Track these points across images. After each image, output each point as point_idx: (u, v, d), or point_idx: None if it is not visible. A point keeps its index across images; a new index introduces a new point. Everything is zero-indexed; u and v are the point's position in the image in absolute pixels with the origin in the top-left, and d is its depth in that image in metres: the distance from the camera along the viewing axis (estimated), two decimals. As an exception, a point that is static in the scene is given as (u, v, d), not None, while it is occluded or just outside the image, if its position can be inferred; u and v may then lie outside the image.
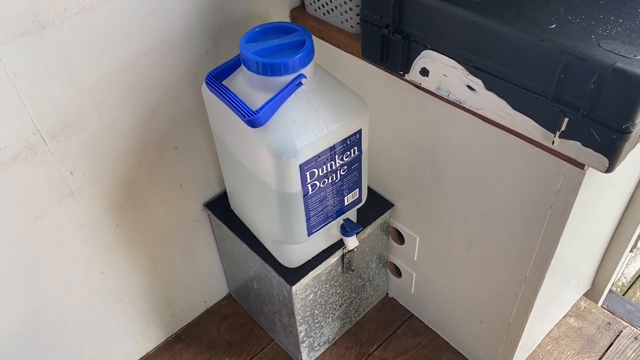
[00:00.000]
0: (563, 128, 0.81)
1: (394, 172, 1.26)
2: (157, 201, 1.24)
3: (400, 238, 1.38)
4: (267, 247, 1.21)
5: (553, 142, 0.83)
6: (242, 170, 1.07)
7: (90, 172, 1.07)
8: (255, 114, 0.90)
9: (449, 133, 1.05)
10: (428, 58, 0.93)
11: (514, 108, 0.86)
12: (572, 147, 0.82)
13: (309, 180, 0.98)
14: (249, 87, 0.96)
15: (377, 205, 1.31)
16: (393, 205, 1.31)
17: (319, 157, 0.96)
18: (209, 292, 1.54)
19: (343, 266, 1.27)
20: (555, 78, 0.78)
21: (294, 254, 1.16)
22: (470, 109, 0.92)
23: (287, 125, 0.93)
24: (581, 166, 0.87)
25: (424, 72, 0.95)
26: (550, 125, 0.83)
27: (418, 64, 0.95)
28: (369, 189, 1.35)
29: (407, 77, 0.99)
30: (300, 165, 0.94)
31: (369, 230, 1.28)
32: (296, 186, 0.97)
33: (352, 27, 1.12)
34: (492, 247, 1.13)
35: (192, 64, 1.11)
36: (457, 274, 1.27)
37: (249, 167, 1.03)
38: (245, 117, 0.90)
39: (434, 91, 0.96)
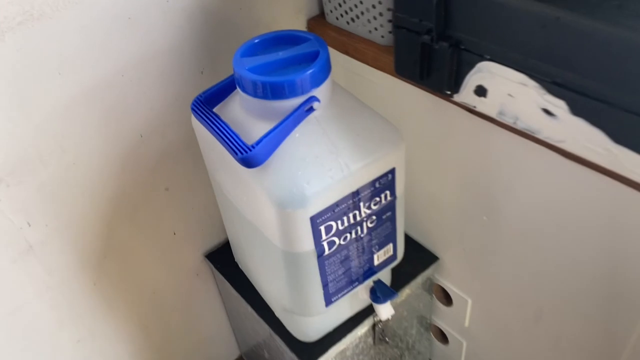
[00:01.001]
0: (696, 170, 0.55)
1: (439, 218, 1.00)
2: (145, 253, 1.01)
3: (447, 298, 1.11)
4: (277, 315, 0.96)
5: (680, 191, 0.57)
6: (242, 220, 0.83)
7: (54, 222, 0.86)
8: (251, 150, 0.66)
9: (514, 172, 0.79)
10: (486, 72, 0.68)
11: (614, 141, 0.60)
12: None
13: (324, 237, 0.73)
14: (245, 114, 0.73)
15: (417, 257, 1.05)
16: (438, 258, 1.05)
17: (338, 206, 0.71)
18: (216, 356, 1.30)
19: (375, 337, 1.01)
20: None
21: (311, 326, 0.91)
22: (547, 141, 0.67)
23: (294, 165, 0.69)
24: None
25: (481, 91, 0.70)
26: (675, 167, 0.56)
27: (472, 80, 0.70)
28: (407, 237, 1.09)
29: (456, 98, 0.74)
30: (311, 218, 0.70)
31: (407, 291, 1.01)
32: (307, 244, 0.73)
33: (382, 36, 0.88)
34: (571, 320, 0.85)
35: (183, 87, 0.89)
36: (522, 350, 0.99)
37: (248, 217, 0.80)
38: (237, 153, 0.67)
39: (494, 117, 0.71)
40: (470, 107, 0.73)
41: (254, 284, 1.01)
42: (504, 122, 0.70)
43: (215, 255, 1.11)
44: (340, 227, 0.74)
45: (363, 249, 0.80)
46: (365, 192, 0.73)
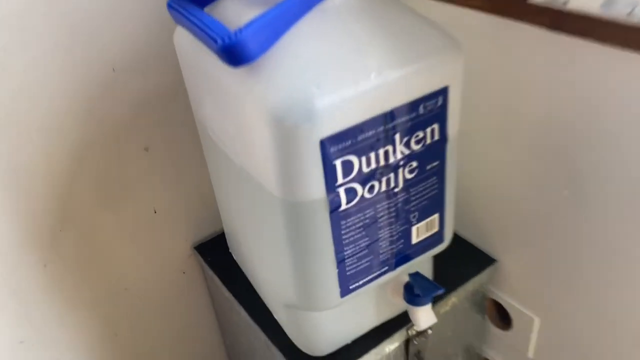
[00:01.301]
0: None
1: (499, 202, 0.75)
2: (116, 233, 0.79)
3: (503, 318, 0.85)
4: (278, 320, 0.72)
5: None
6: (232, 172, 0.61)
7: (-12, 169, 0.65)
8: (236, 36, 0.45)
9: (616, 112, 0.55)
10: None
11: None
12: None
13: (341, 180, 0.50)
14: (240, 6, 0.53)
15: (467, 259, 0.80)
16: (495, 260, 0.80)
17: (362, 132, 0.49)
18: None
19: (408, 359, 0.75)
20: None
21: (321, 331, 0.66)
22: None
23: (299, 65, 0.47)
24: None
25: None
26: None
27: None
28: (455, 235, 0.84)
29: (537, -7, 0.52)
30: (322, 143, 0.47)
31: (453, 299, 0.76)
32: (317, 187, 0.50)
33: (431, -51, 0.67)
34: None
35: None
36: (613, 389, 0.72)
37: (237, 161, 0.58)
38: (217, 41, 0.45)
39: (596, 12, 0.48)
40: (557, 5, 0.51)
41: (250, 279, 0.78)
42: (609, 20, 0.48)
43: (206, 247, 0.88)
44: (366, 169, 0.51)
45: (397, 213, 0.57)
46: (404, 119, 0.51)
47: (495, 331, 0.87)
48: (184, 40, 0.59)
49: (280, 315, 0.70)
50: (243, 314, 0.76)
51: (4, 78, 0.62)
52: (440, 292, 0.63)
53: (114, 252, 0.80)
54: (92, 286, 0.80)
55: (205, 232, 0.88)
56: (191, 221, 0.86)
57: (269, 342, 0.71)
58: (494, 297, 0.83)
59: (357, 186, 0.52)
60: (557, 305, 0.74)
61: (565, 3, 0.50)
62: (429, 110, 0.52)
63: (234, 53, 0.46)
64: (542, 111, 0.63)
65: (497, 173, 0.73)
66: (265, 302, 0.75)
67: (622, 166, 0.57)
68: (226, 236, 0.83)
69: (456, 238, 0.83)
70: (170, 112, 0.76)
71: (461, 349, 0.86)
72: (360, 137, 0.49)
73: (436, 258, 0.74)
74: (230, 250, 0.83)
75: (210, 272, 0.84)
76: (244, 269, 0.80)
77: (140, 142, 0.76)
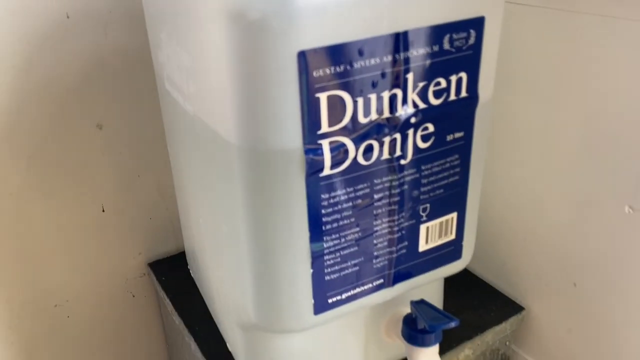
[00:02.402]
0: None
1: (532, 226, 0.59)
2: (50, 228, 0.64)
3: (527, 391, 0.66)
4: (233, 352, 0.54)
5: None
6: (185, 127, 0.47)
7: None
8: None
9: None
10: None
11: None
12: None
13: (326, 125, 0.35)
14: None
15: (485, 305, 0.63)
16: (523, 309, 0.62)
17: (362, 55, 0.34)
18: None
19: None
20: None
21: (286, 369, 0.48)
22: None
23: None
24: None
25: None
26: None
27: None
28: (471, 274, 0.67)
29: None
30: (301, 57, 0.32)
31: (467, 352, 0.58)
32: (290, 131, 0.35)
33: None
34: None
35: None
36: None
37: (190, 108, 0.43)
38: None
39: None
40: None
41: (206, 299, 0.61)
42: None
43: (163, 265, 0.71)
44: (362, 117, 0.36)
45: (401, 197, 0.41)
46: (421, 52, 0.36)
47: (516, 407, 0.67)
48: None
49: (237, 346, 0.53)
50: (193, 346, 0.59)
51: None
52: (453, 324, 0.45)
53: (46, 255, 0.64)
54: (12, 295, 0.64)
55: (163, 248, 0.72)
56: (147, 229, 0.70)
57: (219, 385, 0.53)
58: (518, 359, 0.64)
59: (349, 142, 0.37)
60: (606, 370, 0.55)
61: None
62: (456, 47, 0.37)
63: None
64: (598, 100, 0.48)
65: (531, 185, 0.57)
66: (220, 329, 0.57)
67: None
68: (185, 250, 0.67)
69: (474, 278, 0.67)
70: (133, 83, 0.62)
71: None
72: (357, 65, 0.34)
73: (447, 298, 0.57)
74: (188, 267, 0.67)
75: (164, 296, 0.67)
76: (200, 288, 0.63)
77: (93, 117, 0.62)
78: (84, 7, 0.57)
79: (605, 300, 0.53)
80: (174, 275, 0.69)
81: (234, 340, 0.53)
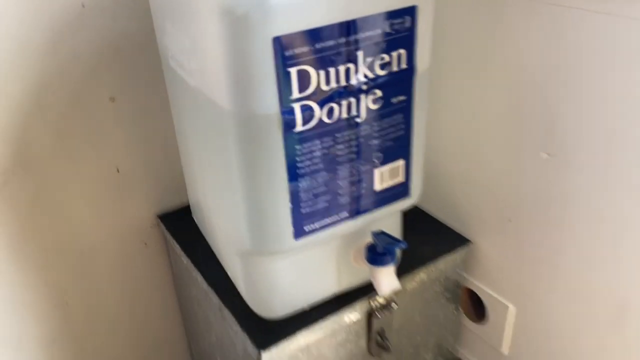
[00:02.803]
0: None
1: (474, 176, 0.72)
2: (74, 187, 0.75)
3: (479, 311, 0.79)
4: (234, 280, 0.67)
5: None
6: (187, 96, 0.58)
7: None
8: None
9: (596, 58, 0.53)
10: None
11: None
12: None
13: (297, 93, 0.47)
14: None
15: (439, 240, 0.76)
16: (469, 242, 0.75)
17: (322, 38, 0.46)
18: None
19: (370, 339, 0.69)
20: None
21: (275, 287, 0.61)
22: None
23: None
24: None
25: None
26: None
27: None
28: (425, 214, 0.80)
29: None
30: (276, 41, 0.44)
31: (422, 275, 0.71)
32: (269, 98, 0.46)
33: None
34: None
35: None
36: (591, 382, 0.65)
37: (191, 81, 0.54)
38: None
39: None
40: None
41: (209, 239, 0.73)
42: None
43: (171, 217, 0.84)
44: (325, 85, 0.48)
45: (359, 149, 0.53)
46: (368, 34, 0.48)
47: (469, 326, 0.81)
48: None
49: (236, 273, 0.65)
50: (200, 279, 0.71)
51: (-35, -5, 0.60)
52: (403, 246, 0.58)
53: (71, 209, 0.76)
54: (43, 244, 0.76)
55: (171, 202, 0.84)
56: (157, 186, 0.82)
57: (222, 306, 0.66)
58: (468, 285, 0.78)
59: (315, 106, 0.48)
60: (534, 288, 0.69)
61: None
62: (395, 30, 0.49)
63: (190, -58, 0.44)
64: (516, 69, 0.60)
65: (470, 141, 0.69)
66: (223, 263, 0.70)
67: (601, 122, 0.54)
68: (189, 200, 0.79)
69: (427, 217, 0.80)
70: (140, 62, 0.73)
71: (432, 343, 0.80)
72: (318, 45, 0.46)
73: (406, 234, 0.70)
74: (193, 215, 0.79)
75: (173, 242, 0.79)
76: (203, 231, 0.75)
77: (106, 91, 0.73)
78: (96, -2, 0.68)
79: (535, 232, 0.66)
80: (180, 225, 0.81)
81: (233, 269, 0.66)
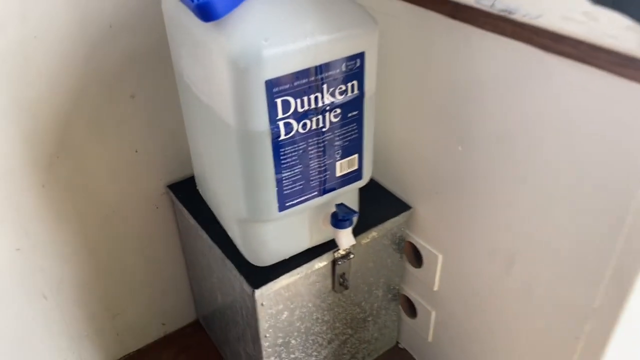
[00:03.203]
0: (679, 18, 0.50)
1: (412, 158, 0.94)
2: (102, 166, 0.96)
3: (418, 259, 1.04)
4: (232, 238, 0.90)
5: (660, 45, 0.52)
6: (200, 110, 0.78)
7: (4, 101, 0.81)
8: (208, -1, 0.62)
9: (489, 81, 0.74)
10: (466, -49, 0.65)
11: (593, 1, 0.55)
12: (694, 52, 0.50)
13: (281, 115, 0.68)
14: (213, -19, 0.70)
15: (388, 206, 0.99)
16: (410, 207, 0.98)
17: (298, 79, 0.66)
18: (170, 313, 1.21)
19: (334, 280, 0.93)
20: None
21: (264, 244, 0.84)
22: (525, 20, 0.62)
23: (254, 24, 0.65)
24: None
25: (460, -26, 0.67)
26: (656, 19, 0.52)
27: (451, -36, 0.67)
28: (378, 185, 1.03)
29: (435, -11, 0.70)
30: (267, 83, 0.65)
31: (374, 234, 0.94)
32: (262, 119, 0.67)
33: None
34: (543, 261, 0.78)
35: (161, -19, 0.87)
36: (493, 309, 0.91)
37: (205, 100, 0.75)
38: (193, 1, 0.63)
39: (473, 3, 0.67)
40: (449, -3, 0.69)
41: (212, 207, 0.95)
42: (482, 8, 0.67)
43: (177, 186, 1.05)
44: (300, 109, 0.69)
45: (324, 149, 0.75)
46: (331, 73, 0.69)
47: (410, 269, 1.06)
48: (170, 4, 0.76)
49: (234, 233, 0.88)
50: (205, 237, 0.93)
51: (24, 25, 0.78)
52: (356, 215, 0.81)
53: (101, 182, 0.97)
54: (80, 208, 0.97)
55: (177, 174, 1.05)
56: (167, 162, 1.02)
57: (224, 257, 0.89)
58: (409, 239, 1.02)
59: (293, 122, 0.70)
60: (454, 242, 0.93)
61: (453, -5, 0.69)
62: (349, 69, 0.70)
63: (206, 10, 0.63)
64: (440, 82, 0.81)
65: (410, 133, 0.91)
66: (223, 225, 0.92)
67: (496, 125, 0.76)
68: (195, 175, 1.00)
69: (379, 188, 1.03)
70: (154, 66, 0.92)
71: (382, 282, 1.04)
72: (296, 83, 0.67)
73: (362, 202, 0.92)
74: (197, 187, 1.00)
75: (180, 206, 1.01)
76: (207, 200, 0.97)
77: (127, 90, 0.92)
78: (120, 20, 0.86)
79: (454, 201, 0.89)
80: (185, 192, 1.02)
81: (232, 230, 0.88)
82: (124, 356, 1.18)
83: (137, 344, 1.19)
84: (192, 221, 0.97)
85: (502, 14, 0.65)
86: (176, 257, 1.14)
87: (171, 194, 1.04)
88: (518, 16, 0.63)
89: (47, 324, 1.03)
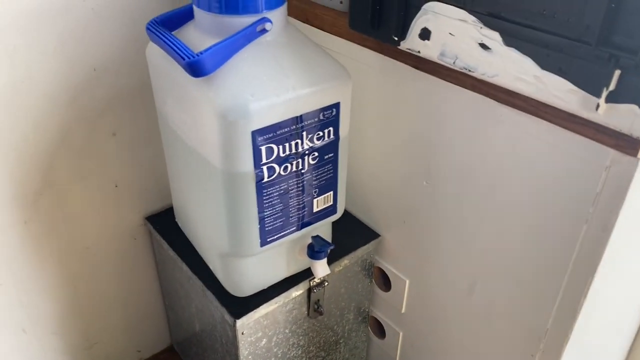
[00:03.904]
0: (612, 86, 0.59)
1: (382, 191, 1.01)
2: (84, 201, 0.99)
3: (386, 283, 1.11)
4: (213, 270, 0.94)
5: (598, 107, 0.60)
6: (184, 151, 0.83)
7: (-10, 140, 0.84)
8: (198, 56, 0.68)
9: (451, 125, 0.82)
10: (430, 14, 0.73)
11: (542, 67, 0.64)
12: (625, 114, 0.59)
13: (264, 160, 0.74)
14: (200, 34, 0.76)
15: (359, 234, 1.05)
16: (379, 235, 1.05)
17: (281, 128, 0.73)
18: (146, 339, 1.24)
19: (309, 306, 0.99)
20: (604, 9, 0.56)
21: (245, 275, 0.89)
22: (483, 77, 0.70)
23: (241, 80, 0.70)
24: (634, 151, 0.63)
25: (425, 34, 0.74)
26: (593, 85, 0.61)
27: (417, 24, 0.75)
28: (350, 215, 1.10)
29: (403, 45, 0.78)
30: (253, 133, 0.70)
31: (346, 261, 1.01)
32: (247, 164, 0.73)
33: (341, 2, 0.93)
34: (502, 286, 0.86)
35: (143, 28, 0.91)
36: (455, 330, 0.99)
37: (191, 143, 0.80)
38: (185, 58, 0.68)
39: (436, 59, 0.75)
40: (415, 52, 0.77)
41: (191, 239, 0.99)
42: (444, 64, 0.74)
43: (155, 218, 1.09)
44: (282, 154, 0.75)
45: (303, 188, 0.81)
46: (310, 122, 0.75)
47: (379, 293, 1.12)
48: (155, 53, 0.81)
49: (215, 265, 0.92)
50: (185, 268, 0.98)
51: (12, 70, 0.81)
52: (331, 247, 0.87)
53: (81, 217, 1.00)
54: (60, 243, 0.99)
55: (156, 206, 1.09)
56: (145, 195, 1.06)
57: (205, 288, 0.93)
58: (378, 265, 1.09)
59: (276, 165, 0.76)
60: (420, 268, 1.00)
61: (419, 52, 0.77)
62: (326, 117, 0.77)
63: (196, 68, 0.68)
64: (407, 125, 0.89)
65: (379, 168, 0.99)
66: (203, 257, 0.96)
67: (458, 164, 0.84)
68: (174, 207, 1.04)
69: (351, 217, 1.09)
70: (135, 106, 0.97)
71: (353, 306, 1.11)
72: (279, 132, 0.73)
73: (334, 231, 0.98)
74: (176, 219, 1.04)
75: (158, 237, 1.05)
76: (186, 232, 1.01)
77: (110, 128, 0.96)
78: (104, 63, 0.90)
79: (420, 230, 0.97)
80: (163, 223, 1.06)
81: (212, 262, 0.93)
82: (100, 384, 1.20)
83: (113, 371, 1.21)
84: (171, 252, 1.01)
85: (462, 70, 0.73)
86: (152, 286, 1.17)
87: (149, 225, 1.07)
88: (477, 74, 0.71)
89: (25, 356, 1.05)
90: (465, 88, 0.76)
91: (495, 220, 0.82)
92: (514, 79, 0.67)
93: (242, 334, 0.90)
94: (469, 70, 0.72)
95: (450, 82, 0.78)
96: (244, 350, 0.92)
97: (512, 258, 0.83)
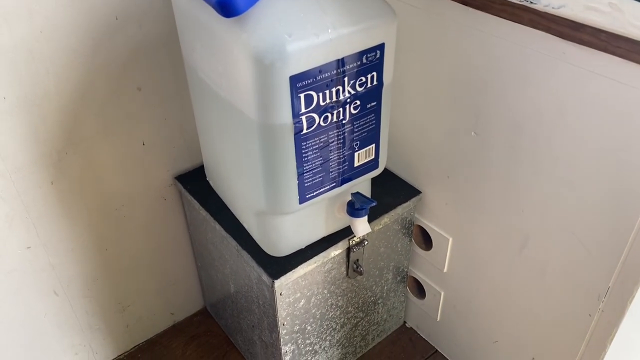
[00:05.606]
0: None
1: (424, 144, 0.95)
2: (110, 159, 0.95)
3: (426, 242, 1.06)
4: (248, 229, 0.90)
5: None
6: (217, 103, 0.78)
7: (12, 97, 0.79)
8: (230, -5, 0.61)
9: (504, 69, 0.75)
10: (486, -60, 0.65)
11: (619, -7, 0.56)
12: None
13: (303, 109, 0.68)
14: (229, -27, 0.69)
15: (398, 192, 1.00)
16: (420, 192, 1.00)
17: (321, 73, 0.66)
18: (179, 302, 1.21)
19: (348, 266, 0.94)
20: None
21: (282, 234, 0.84)
22: (546, 10, 0.63)
23: (276, 19, 0.64)
24: None
25: (479, -36, 0.67)
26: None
27: (470, -47, 0.67)
28: (388, 171, 1.04)
29: (452, -22, 0.70)
30: (291, 79, 0.64)
31: (386, 219, 0.96)
32: (285, 114, 0.67)
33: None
34: (557, 241, 0.80)
35: (166, -30, 0.85)
36: (503, 289, 0.93)
37: (222, 94, 0.74)
38: (215, -3, 0.62)
39: (491, -8, 0.67)
40: (466, -15, 0.69)
41: (224, 198, 0.95)
42: (500, -1, 0.67)
43: (185, 178, 1.04)
44: (322, 102, 0.69)
45: (343, 140, 0.75)
46: (352, 65, 0.69)
47: (419, 252, 1.07)
48: (181, -3, 0.75)
49: (250, 224, 0.88)
50: (218, 228, 0.93)
51: (30, 20, 0.76)
52: (373, 204, 0.82)
53: (108, 176, 0.96)
54: (88, 203, 0.95)
55: (185, 165, 1.04)
56: (174, 154, 1.01)
57: (240, 248, 0.89)
58: (419, 223, 1.03)
59: (315, 116, 0.70)
60: (465, 225, 0.94)
61: (471, -14, 0.69)
62: (369, 60, 0.70)
63: (227, 6, 0.62)
64: (453, 71, 0.82)
65: (422, 119, 0.92)
66: (237, 216, 0.92)
67: (511, 113, 0.77)
68: (205, 166, 0.99)
69: (389, 174, 1.04)
70: (161, 58, 0.91)
71: (392, 265, 1.06)
72: (319, 77, 0.67)
73: (374, 188, 0.93)
74: (207, 178, 1.00)
75: (189, 197, 1.00)
76: (218, 191, 0.97)
77: (134, 82, 0.91)
78: (126, 11, 0.84)
79: (465, 185, 0.91)
80: (193, 183, 1.02)
81: (248, 221, 0.88)
82: (135, 347, 1.19)
83: (146, 334, 1.20)
84: (203, 212, 0.97)
85: (522, 3, 0.65)
86: (184, 248, 1.14)
87: (179, 185, 1.03)
88: (539, 6, 0.63)
89: (58, 319, 1.03)
90: (522, 24, 0.68)
91: (553, 172, 0.76)
92: (584, 9, 0.60)
93: (281, 294, 0.86)
94: (531, 3, 0.64)
95: (505, 18, 0.70)
96: (282, 311, 0.89)
97: (570, 212, 0.76)
